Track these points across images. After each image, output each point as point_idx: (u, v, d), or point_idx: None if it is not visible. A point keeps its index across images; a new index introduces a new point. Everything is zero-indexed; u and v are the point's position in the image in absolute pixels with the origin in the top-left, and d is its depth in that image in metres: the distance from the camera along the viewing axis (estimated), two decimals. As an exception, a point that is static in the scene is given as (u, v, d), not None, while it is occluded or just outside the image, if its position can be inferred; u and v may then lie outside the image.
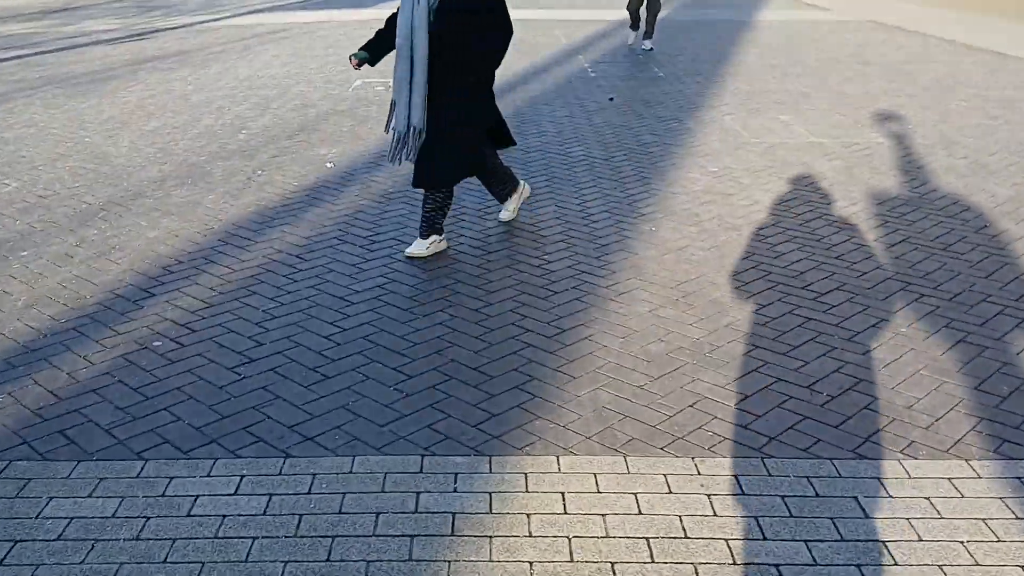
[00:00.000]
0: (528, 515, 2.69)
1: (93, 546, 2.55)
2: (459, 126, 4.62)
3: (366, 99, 8.83)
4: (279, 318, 4.11)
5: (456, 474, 2.91)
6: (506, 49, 4.61)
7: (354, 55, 4.67)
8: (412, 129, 4.56)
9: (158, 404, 3.36)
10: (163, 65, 11.03)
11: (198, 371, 3.61)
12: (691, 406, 3.35)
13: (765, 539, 2.59)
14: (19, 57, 11.90)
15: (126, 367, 3.65)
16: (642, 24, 12.10)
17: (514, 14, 15.79)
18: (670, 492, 2.81)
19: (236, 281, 4.50)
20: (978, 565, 2.49)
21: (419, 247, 4.81)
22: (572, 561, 2.49)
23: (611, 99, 8.85)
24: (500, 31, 4.54)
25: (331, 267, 4.70)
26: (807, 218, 5.43)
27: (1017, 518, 2.69)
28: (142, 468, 2.94)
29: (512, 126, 7.76)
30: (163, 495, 2.80)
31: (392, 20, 4.64)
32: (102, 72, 10.61)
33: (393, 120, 4.66)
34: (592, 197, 5.83)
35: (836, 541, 2.59)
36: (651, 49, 11.75)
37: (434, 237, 4.84)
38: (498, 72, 10.14)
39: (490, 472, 2.92)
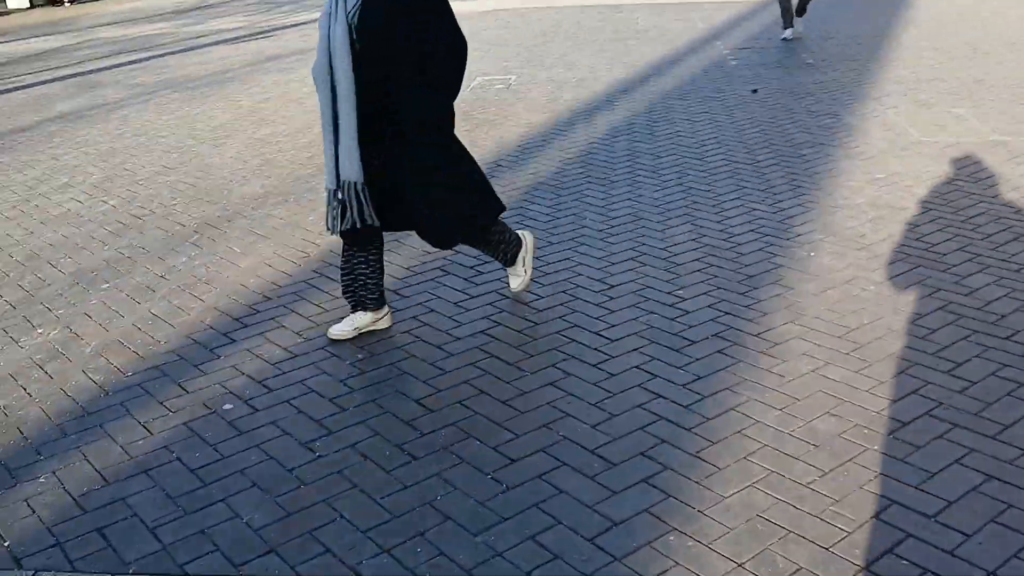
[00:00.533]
0: None
1: None
2: (443, 167, 3.57)
3: (485, 98, 8.23)
4: (367, 373, 3.53)
5: (566, 616, 2.24)
6: (462, 69, 3.48)
7: None
8: (347, 186, 3.46)
9: (215, 493, 2.83)
10: (281, 65, 10.76)
11: (267, 446, 3.08)
12: (876, 517, 2.56)
13: None
14: (142, 60, 11.91)
15: (188, 439, 3.15)
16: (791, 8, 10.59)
17: (645, -3, 14.90)
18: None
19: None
20: None
21: (352, 325, 3.81)
22: None
23: (754, 91, 7.93)
24: (449, 39, 3.42)
25: (430, 305, 4.10)
26: (1000, 241, 4.47)
27: None
28: (184, 586, 2.41)
29: (644, 123, 6.99)
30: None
31: None
32: (220, 74, 10.42)
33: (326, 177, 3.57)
34: (735, 213, 5.03)
35: None
36: (791, 38, 10.36)
37: (366, 315, 3.82)
38: (626, 61, 9.36)
39: (610, 615, 2.24)
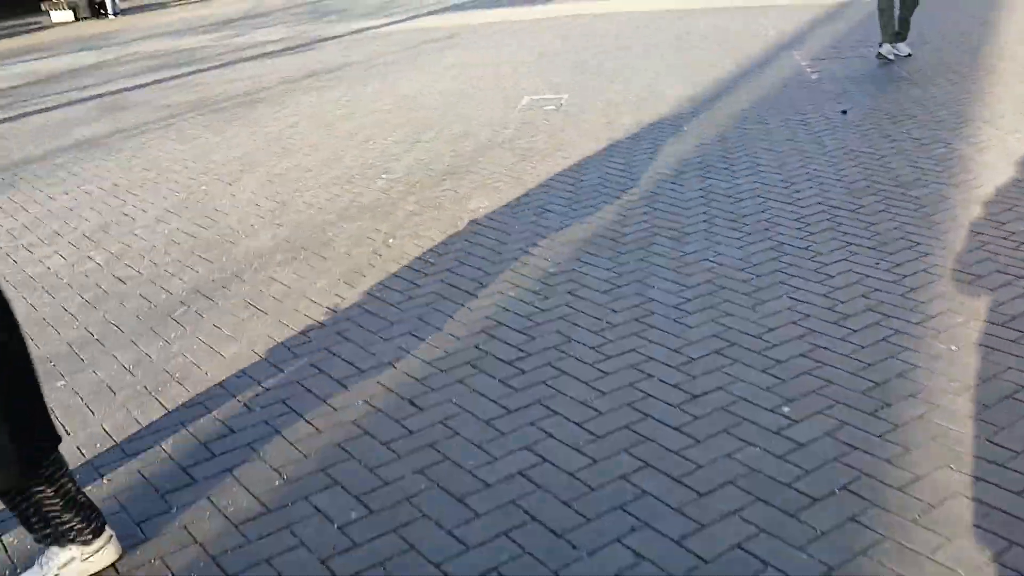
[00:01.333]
0: None
1: None
2: None
3: (533, 123, 7.29)
4: (372, 515, 2.62)
5: None
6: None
7: None
8: None
9: None
10: (319, 83, 9.96)
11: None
12: None
13: None
14: (176, 77, 11.22)
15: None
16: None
17: (709, 2, 13.82)
18: None
19: (322, 450, 3.06)
20: None
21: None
22: None
23: (844, 112, 6.86)
24: None
25: (458, 423, 3.17)
26: None
27: None
28: None
29: (718, 154, 5.99)
30: None
31: None
32: (254, 93, 9.66)
33: None
34: (843, 282, 4.01)
35: None
36: (908, 55, 8.57)
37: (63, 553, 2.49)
38: (691, 76, 8.33)
39: None
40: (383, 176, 6.18)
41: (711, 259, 4.36)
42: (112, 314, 4.29)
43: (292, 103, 8.96)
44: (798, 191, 5.22)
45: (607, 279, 4.22)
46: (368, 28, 14.60)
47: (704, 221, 4.86)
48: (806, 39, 10.17)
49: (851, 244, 4.41)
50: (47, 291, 4.66)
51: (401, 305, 4.11)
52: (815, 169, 5.59)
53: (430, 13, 15.98)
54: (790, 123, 6.69)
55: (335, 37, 13.87)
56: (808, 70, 8.47)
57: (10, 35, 19.10)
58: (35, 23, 20.72)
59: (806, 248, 4.41)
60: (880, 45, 8.63)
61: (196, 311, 4.24)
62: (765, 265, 4.24)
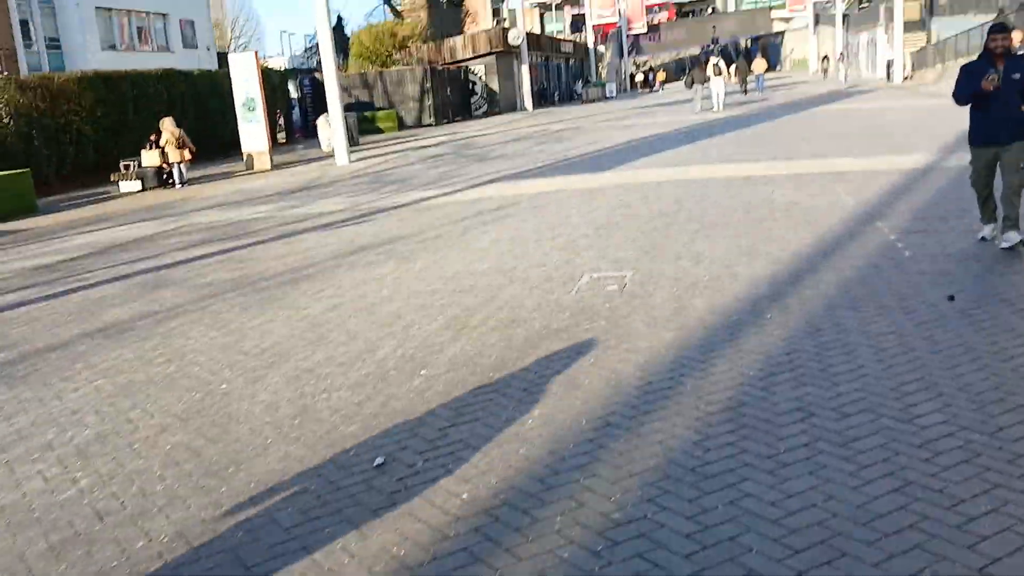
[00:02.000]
0: None
1: None
2: None
3: (592, 308, 6.55)
4: None
5: None
6: None
7: None
8: None
9: None
10: (368, 257, 9.47)
11: None
12: None
13: None
14: (226, 251, 10.89)
15: None
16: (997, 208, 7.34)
17: (777, 168, 13.28)
18: None
19: None
20: None
21: None
22: None
23: (951, 298, 5.99)
24: None
25: None
26: None
27: None
28: None
29: (810, 351, 5.12)
30: None
31: None
32: (298, 270, 9.18)
33: None
34: (1001, 549, 3.04)
35: None
36: (1021, 242, 7.01)
37: None
38: (769, 252, 7.56)
39: None
40: (421, 372, 5.44)
41: (820, 504, 3.43)
42: (73, 570, 3.50)
43: (337, 281, 8.43)
44: (914, 405, 4.30)
45: (689, 533, 3.31)
46: (425, 199, 14.36)
47: (805, 446, 3.95)
48: (889, 209, 9.42)
49: (998, 487, 3.45)
50: (11, 529, 3.91)
51: (422, 570, 3.24)
52: (930, 374, 4.67)
53: (488, 182, 15.76)
54: (889, 312, 5.82)
55: (393, 208, 13.60)
56: (898, 245, 7.67)
57: (79, 206, 19.47)
58: (105, 193, 21.20)
59: (940, 491, 3.46)
60: (984, 225, 7.52)
61: (174, 566, 3.42)
62: (892, 517, 3.29)
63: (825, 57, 62.86)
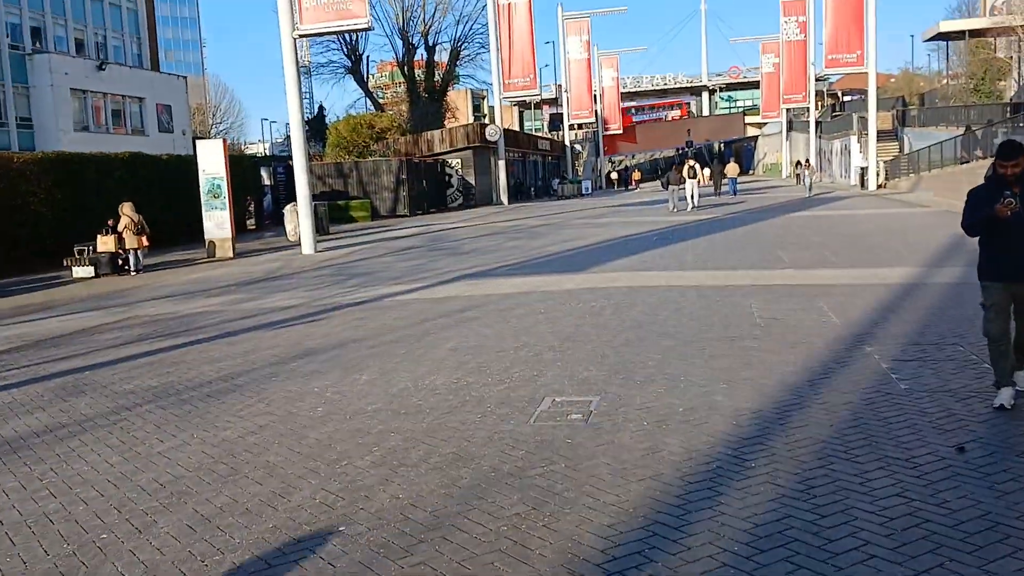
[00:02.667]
0: None
1: None
2: None
3: (552, 444, 5.71)
4: None
5: None
6: None
7: None
8: None
9: None
10: (311, 365, 8.61)
11: None
12: None
13: None
14: (159, 352, 9.98)
15: None
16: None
17: (755, 278, 12.66)
18: None
19: None
20: None
21: None
22: None
23: (961, 449, 5.20)
24: None
25: None
26: None
27: None
28: None
29: (806, 517, 4.28)
30: None
31: None
32: (232, 378, 8.29)
33: None
34: None
35: None
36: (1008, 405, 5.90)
37: None
38: (750, 378, 6.78)
39: None
40: (340, 529, 4.54)
41: None
42: None
43: (269, 395, 7.55)
44: (939, 600, 3.46)
45: None
46: (389, 295, 13.58)
47: (805, 667, 3.08)
48: (879, 330, 8.73)
49: None
50: None
51: None
52: (951, 557, 3.84)
53: (457, 279, 15.04)
54: (891, 463, 5.03)
55: (352, 305, 12.80)
56: (893, 376, 6.93)
57: (29, 290, 18.49)
58: (57, 278, 20.25)
59: None
60: (998, 389, 5.99)
61: None
62: None
63: (798, 163, 63.86)
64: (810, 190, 38.50)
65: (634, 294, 12.03)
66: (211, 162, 23.16)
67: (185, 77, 53.45)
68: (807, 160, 46.67)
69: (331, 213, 34.01)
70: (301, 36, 22.51)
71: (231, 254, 23.08)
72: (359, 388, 7.57)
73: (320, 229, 28.99)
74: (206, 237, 23.45)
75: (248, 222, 34.49)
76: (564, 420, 6.18)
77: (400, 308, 12.16)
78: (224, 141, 23.88)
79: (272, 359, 9.12)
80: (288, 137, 78.37)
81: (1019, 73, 52.68)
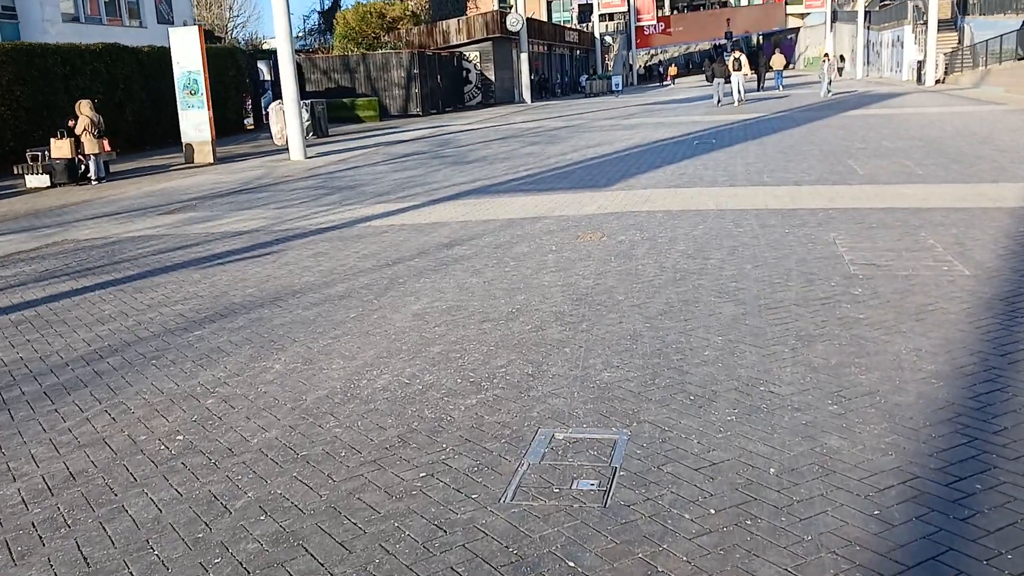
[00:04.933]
0: None
1: None
2: None
3: (537, 546, 3.10)
4: None
5: None
6: None
7: None
8: None
9: None
10: (217, 337, 6.06)
11: None
12: None
13: None
14: (45, 302, 7.43)
15: None
16: None
17: (829, 197, 9.82)
18: None
19: None
20: None
21: None
22: None
23: None
24: None
25: None
26: None
27: None
28: None
29: None
30: None
31: None
32: (104, 356, 5.76)
33: None
34: None
35: None
36: None
37: None
38: (874, 398, 4.09)
39: None
40: None
41: None
42: None
43: (127, 396, 5.02)
44: None
45: None
46: (368, 218, 10.92)
47: None
48: (1039, 292, 5.97)
49: None
50: None
51: None
52: None
53: (455, 196, 12.32)
54: None
55: (320, 231, 10.17)
56: None
57: (-28, 202, 15.99)
58: (9, 188, 17.72)
59: None
60: None
61: None
62: None
63: (841, 56, 59.22)
64: (827, 90, 31.21)
65: (674, 222, 9.27)
66: (186, 54, 20.25)
67: (186, -38, 49.58)
68: (826, 54, 39.85)
69: (335, 112, 31.11)
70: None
71: (211, 159, 20.40)
72: (263, 386, 4.99)
73: (318, 131, 26.16)
74: (183, 140, 20.76)
75: (247, 121, 31.69)
76: (566, 494, 3.56)
77: (373, 239, 9.51)
78: (200, 28, 20.86)
79: (174, 322, 6.56)
80: (308, 30, 74.51)
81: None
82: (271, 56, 35.97)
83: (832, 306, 5.83)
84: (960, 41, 43.75)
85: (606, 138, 20.21)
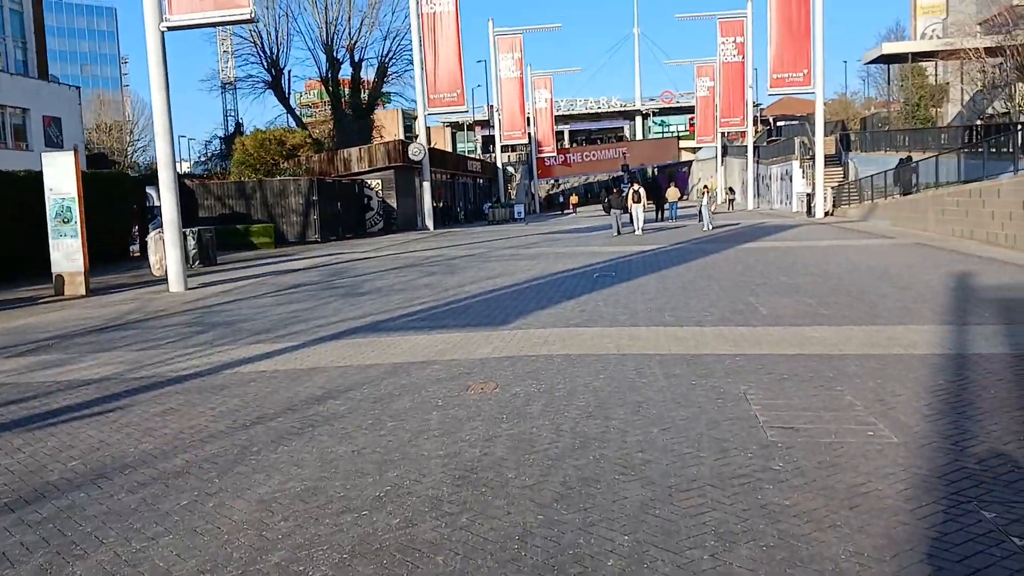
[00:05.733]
0: None
1: None
2: None
3: None
4: None
5: None
6: None
7: None
8: None
9: None
10: (37, 535, 4.80)
11: None
12: None
13: None
14: None
15: None
16: None
17: (732, 339, 9.21)
18: None
19: None
20: None
21: None
22: None
23: None
24: None
25: None
26: None
27: None
28: None
29: None
30: None
31: None
32: None
33: None
34: None
35: None
36: None
37: None
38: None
39: None
40: None
41: None
42: None
43: None
44: None
45: None
46: (238, 362, 9.80)
47: None
48: (967, 457, 5.29)
49: None
50: None
51: None
52: None
53: (340, 334, 11.31)
54: None
55: (174, 381, 8.97)
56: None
57: None
58: None
59: None
60: None
61: None
62: None
63: (731, 188, 61.56)
64: (709, 225, 30.24)
65: (574, 369, 8.46)
66: (60, 180, 19.01)
67: (78, 88, 48.56)
68: (705, 186, 39.16)
69: (228, 239, 29.98)
70: (171, 28, 18.56)
71: (83, 291, 18.92)
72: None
73: (205, 259, 24.92)
74: (53, 270, 19.25)
75: (132, 248, 30.19)
76: None
77: (237, 389, 8.38)
78: (75, 153, 19.72)
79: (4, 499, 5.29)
80: (209, 155, 73.52)
81: (962, 97, 51.07)
82: (155, 182, 34.85)
83: (752, 488, 5.01)
84: (845, 176, 45.78)
85: (507, 268, 19.64)
